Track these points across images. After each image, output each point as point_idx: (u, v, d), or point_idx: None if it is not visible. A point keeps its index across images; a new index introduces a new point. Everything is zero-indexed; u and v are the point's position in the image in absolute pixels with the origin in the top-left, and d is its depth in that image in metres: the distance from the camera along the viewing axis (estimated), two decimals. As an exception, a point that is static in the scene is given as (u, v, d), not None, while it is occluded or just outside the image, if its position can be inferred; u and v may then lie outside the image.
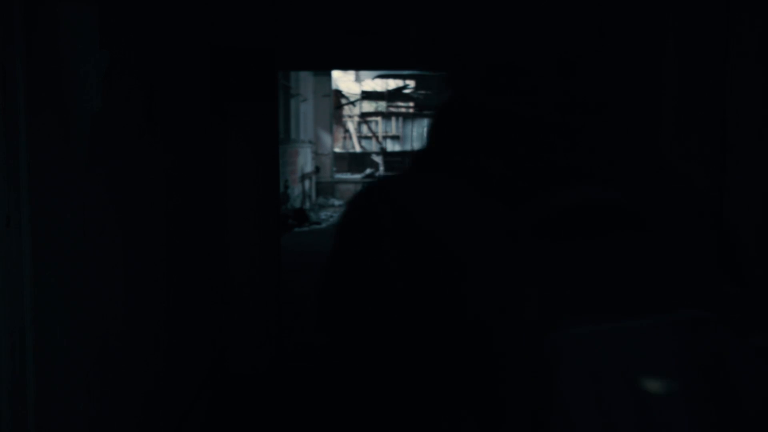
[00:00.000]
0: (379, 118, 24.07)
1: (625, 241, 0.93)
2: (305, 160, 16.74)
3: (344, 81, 23.77)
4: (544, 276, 0.91)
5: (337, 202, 17.44)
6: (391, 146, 23.84)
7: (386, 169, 21.62)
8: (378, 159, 22.68)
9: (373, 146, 23.83)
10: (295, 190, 14.47)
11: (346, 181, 19.90)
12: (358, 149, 23.70)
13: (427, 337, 0.95)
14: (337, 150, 22.41)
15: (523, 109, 1.16)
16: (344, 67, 5.98)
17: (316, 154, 18.74)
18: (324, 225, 12.78)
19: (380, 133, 24.04)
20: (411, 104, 24.02)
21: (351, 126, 23.97)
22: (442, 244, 0.98)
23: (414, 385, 1.03)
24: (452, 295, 0.96)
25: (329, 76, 19.32)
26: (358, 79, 24.52)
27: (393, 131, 24.15)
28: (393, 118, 24.13)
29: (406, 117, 24.16)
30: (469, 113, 1.18)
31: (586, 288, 0.88)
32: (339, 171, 21.47)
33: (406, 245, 1.01)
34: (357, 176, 20.90)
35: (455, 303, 0.95)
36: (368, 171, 21.56)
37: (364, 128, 24.06)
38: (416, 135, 24.28)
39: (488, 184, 1.03)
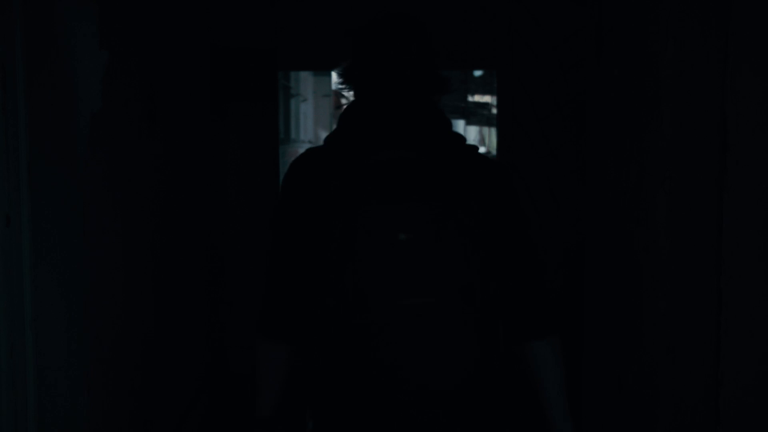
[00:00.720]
0: (379, 118, 24.03)
1: (406, 169, 1.77)
2: (305, 160, 16.69)
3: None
4: (356, 185, 1.75)
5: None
6: (391, 146, 23.81)
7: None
8: (378, 159, 22.64)
9: (373, 146, 23.80)
10: (295, 190, 14.44)
11: (346, 181, 19.82)
12: (358, 149, 23.65)
13: (315, 235, 1.77)
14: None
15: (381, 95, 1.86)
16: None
17: (316, 154, 18.68)
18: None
19: (380, 133, 24.01)
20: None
21: (351, 126, 23.93)
22: (311, 186, 1.81)
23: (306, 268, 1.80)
24: (317, 204, 1.78)
25: (329, 76, 19.32)
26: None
27: (393, 131, 24.12)
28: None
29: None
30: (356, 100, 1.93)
31: (377, 190, 1.74)
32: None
33: (301, 191, 1.83)
34: (357, 176, 20.82)
35: (322, 212, 1.76)
36: (368, 171, 21.53)
37: (364, 128, 24.02)
38: (416, 135, 24.27)
39: (339, 152, 1.83)
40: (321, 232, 1.76)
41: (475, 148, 1.93)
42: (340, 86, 1.97)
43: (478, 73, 19.71)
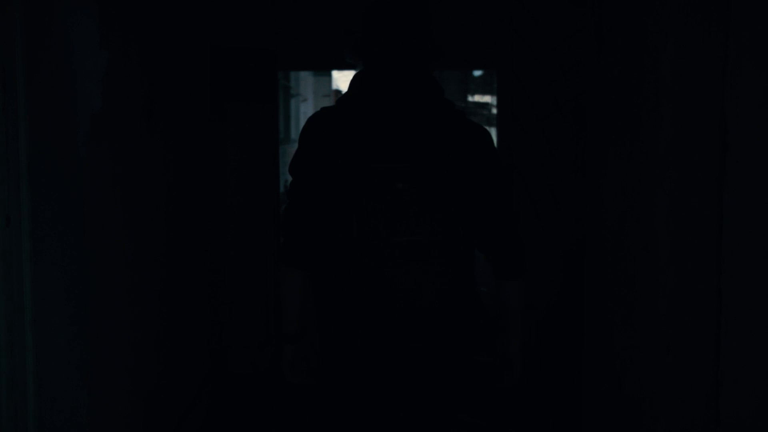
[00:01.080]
0: (379, 118, 24.02)
1: (406, 133, 2.17)
2: (305, 160, 16.70)
3: (344, 81, 23.76)
4: (365, 146, 2.14)
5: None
6: (391, 146, 23.80)
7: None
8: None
9: (373, 146, 23.78)
10: (295, 190, 14.46)
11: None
12: (358, 149, 23.65)
13: (329, 182, 2.16)
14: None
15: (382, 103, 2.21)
16: (344, 66, 6.10)
17: (316, 154, 18.69)
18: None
19: (380, 133, 24.00)
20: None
21: (351, 126, 23.92)
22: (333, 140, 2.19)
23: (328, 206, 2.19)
24: (331, 157, 2.16)
25: (329, 76, 19.33)
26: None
27: (393, 131, 24.11)
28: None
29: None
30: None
31: (383, 150, 2.13)
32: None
33: (317, 144, 2.19)
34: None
35: (335, 164, 2.15)
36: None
37: (364, 128, 24.00)
38: (416, 135, 24.27)
39: (350, 114, 2.23)
40: (334, 181, 2.16)
41: (462, 114, 2.26)
42: (350, 59, 2.31)
43: (477, 73, 19.70)
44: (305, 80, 17.96)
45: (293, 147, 15.23)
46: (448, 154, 2.16)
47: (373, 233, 2.15)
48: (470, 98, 23.02)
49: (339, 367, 2.25)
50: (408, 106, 2.19)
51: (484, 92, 22.43)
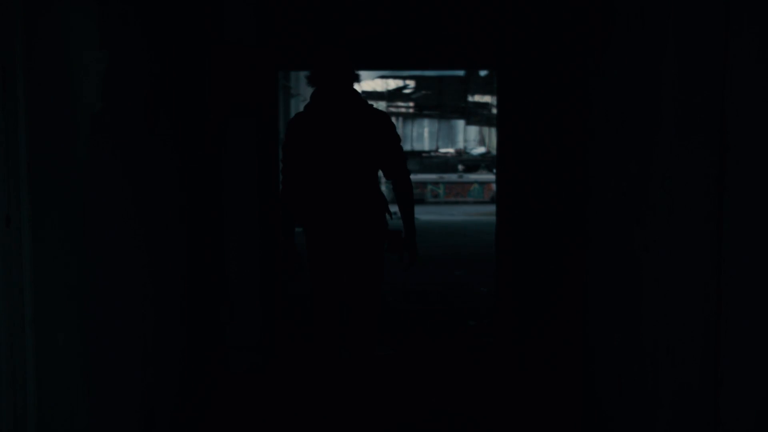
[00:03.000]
0: (379, 118, 24.02)
1: (344, 120, 4.01)
2: (305, 160, 16.72)
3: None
4: (321, 130, 4.03)
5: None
6: (391, 146, 23.79)
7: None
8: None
9: (373, 146, 23.76)
10: (295, 190, 14.49)
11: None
12: (358, 149, 23.64)
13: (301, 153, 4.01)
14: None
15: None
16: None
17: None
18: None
19: (380, 133, 23.98)
20: (411, 104, 24.02)
21: (351, 126, 23.92)
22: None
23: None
24: (302, 139, 4.03)
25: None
26: (358, 80, 24.51)
27: (393, 131, 24.11)
28: (393, 118, 24.12)
29: (406, 117, 24.16)
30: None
31: (332, 131, 4.05)
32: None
33: (294, 133, 4.05)
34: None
35: (303, 141, 4.03)
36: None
37: (364, 128, 23.99)
38: (416, 135, 24.27)
39: (311, 114, 4.11)
40: (305, 151, 4.00)
41: (373, 107, 4.09)
42: (309, 84, 3.75)
43: (484, 73, 19.67)
44: (305, 80, 17.94)
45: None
46: (369, 129, 3.99)
47: (329, 175, 3.97)
48: (470, 98, 23.00)
49: (313, 237, 4.06)
50: (341, 108, 4.01)
51: (484, 92, 22.43)
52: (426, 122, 24.45)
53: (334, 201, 3.93)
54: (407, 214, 4.04)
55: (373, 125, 3.95)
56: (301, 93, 17.25)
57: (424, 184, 18.23)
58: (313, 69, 3.99)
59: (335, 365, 4.09)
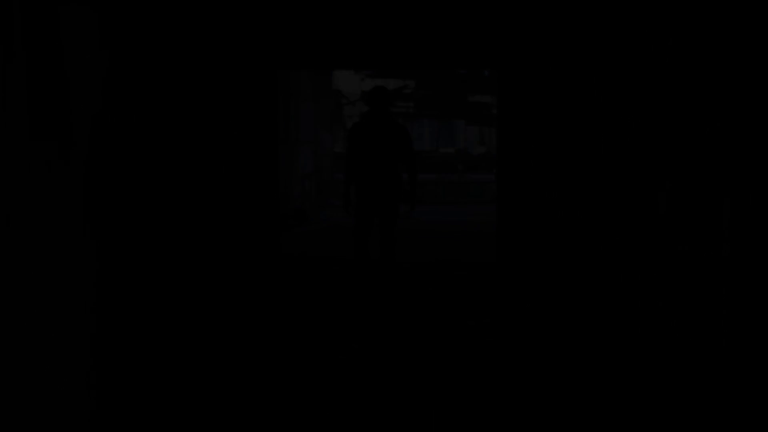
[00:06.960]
0: (379, 118, 24.02)
1: (382, 131, 7.39)
2: (305, 160, 16.77)
3: (344, 81, 23.77)
4: (370, 134, 7.48)
5: (337, 202, 17.44)
6: (391, 146, 23.79)
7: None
8: (378, 159, 22.63)
9: (373, 146, 23.76)
10: (295, 190, 14.48)
11: (346, 181, 19.79)
12: (358, 149, 23.64)
13: (357, 148, 7.45)
14: (338, 150, 22.43)
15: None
16: (344, 66, 6.36)
17: (316, 154, 18.77)
18: (324, 225, 12.76)
19: (380, 133, 23.98)
20: (411, 104, 24.03)
21: (351, 126, 23.96)
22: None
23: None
24: (358, 138, 7.41)
25: (329, 76, 19.33)
26: (358, 79, 24.53)
27: (393, 131, 24.10)
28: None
29: (406, 117, 24.17)
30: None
31: (375, 136, 7.55)
32: (339, 171, 21.48)
33: (354, 134, 7.46)
34: (357, 176, 20.78)
35: (358, 139, 7.40)
36: (368, 171, 21.51)
37: (365, 128, 23.99)
38: (416, 135, 24.28)
39: (364, 123, 7.45)
40: (359, 145, 7.27)
41: (398, 123, 7.22)
42: (364, 102, 7.91)
43: (488, 72, 19.66)
44: (305, 80, 17.95)
45: (293, 147, 15.32)
46: (396, 137, 7.15)
47: (372, 163, 7.19)
48: (470, 98, 23.02)
49: (361, 192, 7.29)
50: (380, 121, 7.15)
51: (484, 92, 22.43)
52: (426, 122, 24.44)
53: (373, 174, 7.19)
54: (412, 184, 7.22)
55: (397, 133, 7.18)
56: (301, 93, 17.26)
57: (423, 184, 18.23)
58: (368, 96, 7.21)
59: (366, 256, 7.49)
